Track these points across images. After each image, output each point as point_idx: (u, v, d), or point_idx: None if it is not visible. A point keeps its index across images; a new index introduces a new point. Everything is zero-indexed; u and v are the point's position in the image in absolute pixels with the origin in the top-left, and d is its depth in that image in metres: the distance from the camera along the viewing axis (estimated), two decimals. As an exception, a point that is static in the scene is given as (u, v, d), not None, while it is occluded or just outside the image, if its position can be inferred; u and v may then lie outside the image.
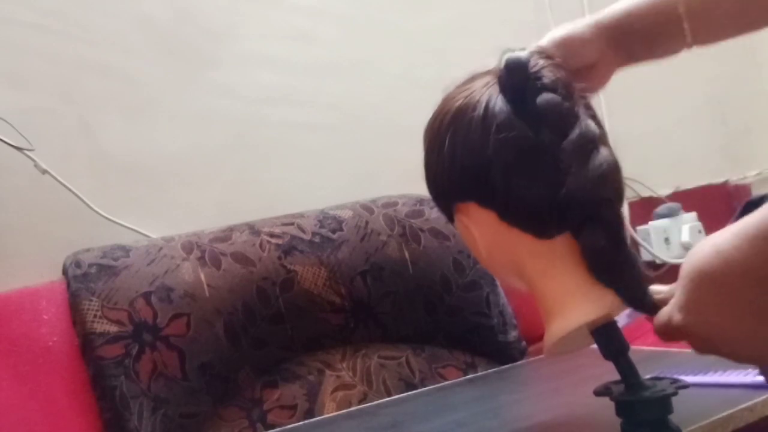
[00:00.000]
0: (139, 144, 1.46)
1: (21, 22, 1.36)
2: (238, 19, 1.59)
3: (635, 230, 1.95)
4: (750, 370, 0.84)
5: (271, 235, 1.33)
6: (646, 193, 2.04)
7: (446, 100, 0.75)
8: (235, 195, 1.54)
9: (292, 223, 1.37)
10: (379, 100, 1.73)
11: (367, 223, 1.40)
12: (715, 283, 0.51)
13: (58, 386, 1.16)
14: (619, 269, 0.67)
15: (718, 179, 2.20)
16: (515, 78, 0.70)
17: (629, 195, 2.01)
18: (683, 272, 0.54)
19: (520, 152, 0.68)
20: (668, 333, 0.58)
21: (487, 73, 0.75)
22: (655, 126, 2.13)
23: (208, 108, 1.53)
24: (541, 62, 0.71)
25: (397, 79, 1.75)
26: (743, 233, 0.49)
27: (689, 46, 0.75)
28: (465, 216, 0.75)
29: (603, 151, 0.69)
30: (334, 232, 1.37)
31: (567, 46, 0.75)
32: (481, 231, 0.73)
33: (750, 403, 0.78)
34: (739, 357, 0.55)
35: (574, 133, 0.68)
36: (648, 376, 0.72)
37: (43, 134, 1.33)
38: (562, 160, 0.67)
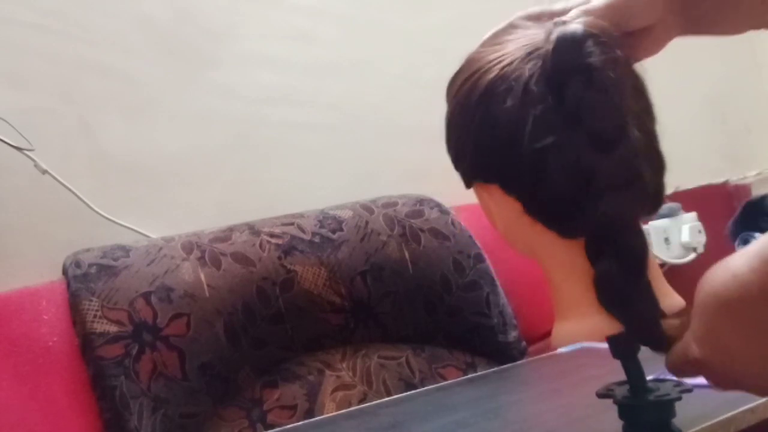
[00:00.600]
0: (139, 144, 1.45)
1: (21, 22, 1.36)
2: (238, 19, 1.59)
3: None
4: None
5: (271, 235, 1.33)
6: (646, 193, 2.04)
7: (476, 65, 0.67)
8: (235, 195, 1.54)
9: (292, 223, 1.37)
10: (379, 100, 1.73)
11: (367, 223, 1.40)
12: (733, 308, 0.47)
13: (58, 386, 1.16)
14: (630, 306, 0.61)
15: (718, 179, 2.20)
16: (563, 63, 0.61)
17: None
18: (698, 301, 0.51)
19: (558, 153, 0.62)
20: (684, 368, 0.55)
21: (530, 33, 0.66)
22: (655, 126, 2.13)
23: (208, 108, 1.53)
24: (597, 50, 0.62)
25: (397, 79, 1.75)
26: (759, 255, 0.46)
27: (758, 26, 0.66)
28: (486, 193, 0.69)
29: (644, 175, 0.62)
30: (334, 232, 1.37)
31: (624, 7, 0.65)
32: (503, 214, 0.69)
33: (751, 404, 0.77)
34: (764, 389, 0.51)
35: (616, 153, 0.61)
36: (650, 377, 0.72)
37: (43, 134, 1.33)
38: (599, 177, 0.61)
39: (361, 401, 1.27)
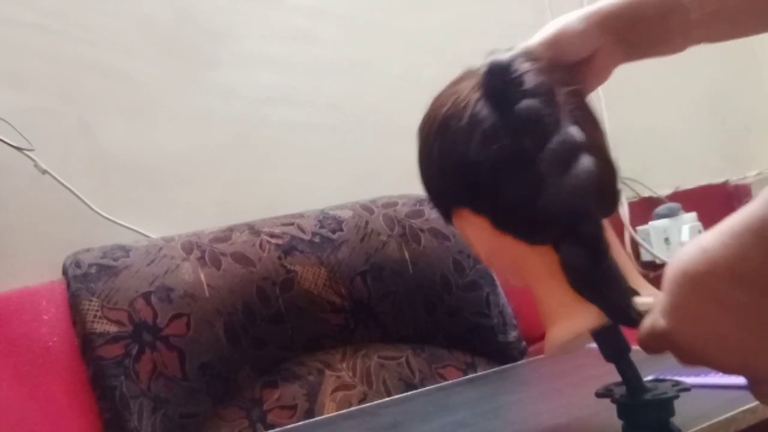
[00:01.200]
0: (139, 144, 1.45)
1: (21, 22, 1.36)
2: (238, 19, 1.59)
3: (635, 230, 1.95)
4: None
5: (271, 235, 1.33)
6: (646, 193, 2.04)
7: (436, 103, 0.74)
8: (235, 195, 1.54)
9: (292, 223, 1.37)
10: (379, 100, 1.73)
11: (367, 223, 1.40)
12: (700, 283, 0.47)
13: (58, 386, 1.16)
14: (599, 285, 0.65)
15: (718, 179, 2.21)
16: (496, 83, 0.68)
17: (629, 195, 2.02)
18: (668, 275, 0.51)
19: (506, 161, 0.67)
20: (652, 343, 0.55)
21: (477, 72, 0.72)
22: (655, 125, 2.13)
23: (208, 108, 1.53)
24: (524, 66, 0.68)
25: (397, 79, 1.75)
26: (729, 230, 0.46)
27: (695, 42, 0.70)
28: (461, 220, 0.75)
29: (584, 161, 0.66)
30: (334, 232, 1.37)
31: (558, 41, 0.70)
32: (478, 236, 0.73)
33: (751, 405, 0.78)
34: (726, 366, 0.50)
35: (552, 143, 0.65)
36: (649, 378, 0.72)
37: (43, 134, 1.33)
38: (540, 168, 0.65)
39: (361, 401, 1.27)
